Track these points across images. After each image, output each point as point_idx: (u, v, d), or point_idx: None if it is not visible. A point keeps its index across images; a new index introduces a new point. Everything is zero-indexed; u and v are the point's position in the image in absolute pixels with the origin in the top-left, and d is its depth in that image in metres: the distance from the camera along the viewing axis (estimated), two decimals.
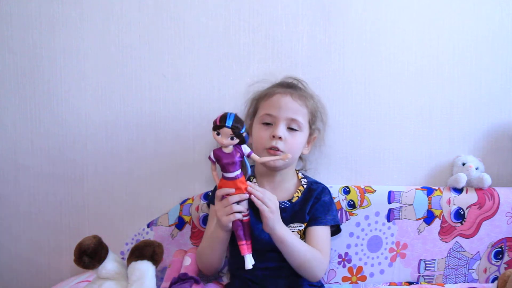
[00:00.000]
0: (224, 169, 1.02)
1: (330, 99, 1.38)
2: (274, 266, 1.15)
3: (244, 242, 1.04)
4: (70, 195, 1.39)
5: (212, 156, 1.04)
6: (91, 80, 1.36)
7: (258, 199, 1.03)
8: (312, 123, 1.23)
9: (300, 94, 1.21)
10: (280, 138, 1.14)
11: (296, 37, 1.38)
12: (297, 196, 1.21)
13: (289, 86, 1.25)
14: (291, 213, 1.19)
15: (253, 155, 1.04)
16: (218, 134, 1.00)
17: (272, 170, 1.20)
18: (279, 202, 1.16)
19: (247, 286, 1.16)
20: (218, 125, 0.99)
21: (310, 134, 1.24)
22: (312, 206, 1.20)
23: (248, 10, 1.36)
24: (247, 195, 1.02)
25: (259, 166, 1.23)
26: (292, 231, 1.16)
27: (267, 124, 1.18)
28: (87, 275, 1.28)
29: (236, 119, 0.99)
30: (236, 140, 1.00)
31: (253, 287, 1.15)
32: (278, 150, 1.14)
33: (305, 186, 1.23)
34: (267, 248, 1.13)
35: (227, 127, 0.98)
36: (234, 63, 1.37)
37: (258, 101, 1.24)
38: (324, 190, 1.24)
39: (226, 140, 1.00)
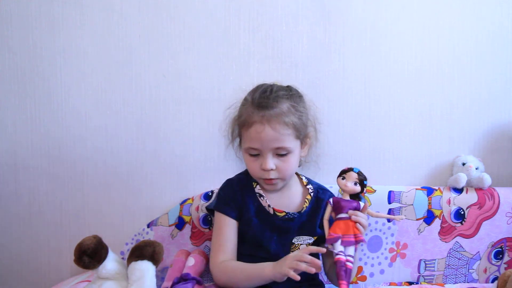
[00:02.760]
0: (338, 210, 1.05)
1: (330, 99, 1.38)
2: None
3: (345, 282, 1.00)
4: (70, 195, 1.38)
5: (331, 201, 1.07)
6: (91, 80, 1.36)
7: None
8: (299, 134, 1.15)
9: (278, 115, 1.10)
10: (271, 169, 1.12)
11: (296, 37, 1.38)
12: (305, 206, 1.19)
13: (265, 107, 1.11)
14: (299, 223, 1.17)
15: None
16: (343, 178, 1.05)
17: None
18: (288, 213, 1.16)
19: None
20: (346, 170, 1.06)
21: (303, 142, 1.18)
22: None
23: (248, 10, 1.36)
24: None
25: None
26: (301, 244, 1.16)
27: (255, 155, 1.14)
28: (87, 275, 1.27)
29: (362, 172, 1.06)
30: (359, 188, 1.04)
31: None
32: (273, 179, 1.14)
33: (312, 193, 1.21)
34: (273, 258, 1.09)
35: (354, 171, 1.05)
36: (234, 63, 1.37)
37: (238, 125, 1.18)
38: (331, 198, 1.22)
39: (350, 183, 1.04)
